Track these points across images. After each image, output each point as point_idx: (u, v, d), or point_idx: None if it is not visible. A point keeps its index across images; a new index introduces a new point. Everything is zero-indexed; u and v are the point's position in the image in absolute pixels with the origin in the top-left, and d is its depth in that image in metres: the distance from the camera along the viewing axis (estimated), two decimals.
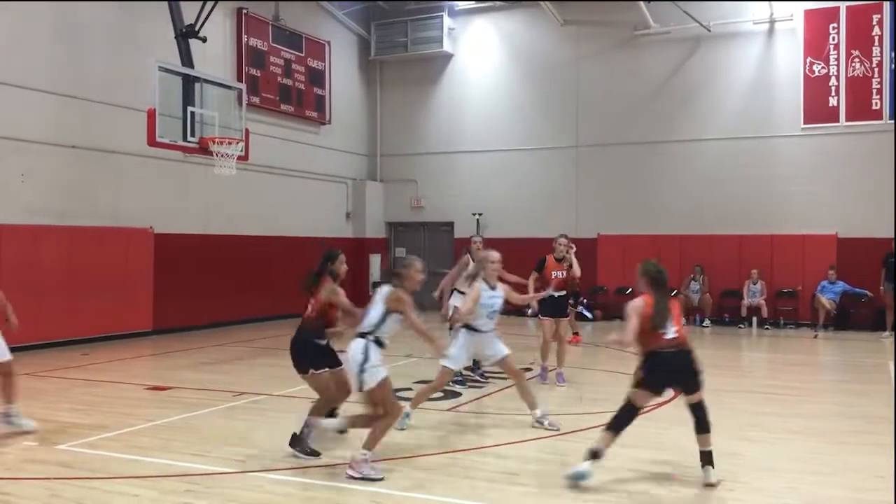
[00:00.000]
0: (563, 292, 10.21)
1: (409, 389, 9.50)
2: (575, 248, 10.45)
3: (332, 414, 6.76)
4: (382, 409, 5.99)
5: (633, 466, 6.17)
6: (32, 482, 5.80)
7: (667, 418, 8.04)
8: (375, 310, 6.10)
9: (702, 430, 5.78)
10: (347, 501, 5.53)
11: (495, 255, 7.86)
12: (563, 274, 10.07)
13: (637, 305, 5.86)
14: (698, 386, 5.80)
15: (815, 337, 15.51)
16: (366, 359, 5.90)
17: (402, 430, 7.20)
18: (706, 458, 5.78)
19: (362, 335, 6.02)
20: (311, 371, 6.64)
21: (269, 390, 9.49)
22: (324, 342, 6.77)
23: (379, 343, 6.03)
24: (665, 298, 5.90)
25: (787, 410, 8.44)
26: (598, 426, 7.45)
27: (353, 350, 5.99)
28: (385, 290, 6.19)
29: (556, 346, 10.04)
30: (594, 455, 5.73)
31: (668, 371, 5.78)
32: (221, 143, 12.51)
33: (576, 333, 13.92)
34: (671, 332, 5.77)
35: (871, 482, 5.85)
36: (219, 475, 6.01)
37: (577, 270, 10.23)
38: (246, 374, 10.70)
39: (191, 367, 11.33)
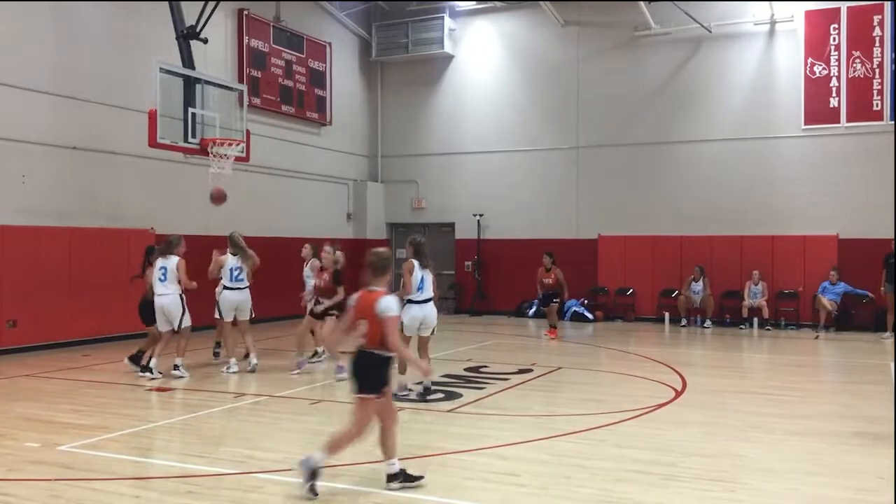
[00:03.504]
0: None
1: (410, 390, 9.51)
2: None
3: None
4: None
5: (632, 467, 6.17)
6: (33, 483, 5.81)
7: (667, 418, 8.05)
8: None
9: None
10: (347, 502, 5.52)
11: None
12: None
13: None
14: None
15: (816, 338, 15.50)
16: None
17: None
18: None
19: None
20: None
21: (270, 391, 9.50)
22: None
23: None
24: None
25: (787, 411, 8.44)
26: (598, 427, 7.50)
27: None
28: None
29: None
30: None
31: None
32: (222, 144, 12.52)
33: (553, 327, 15.16)
34: None
35: (872, 483, 5.85)
36: (220, 476, 6.02)
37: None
38: (246, 374, 10.71)
39: (191, 368, 11.33)
